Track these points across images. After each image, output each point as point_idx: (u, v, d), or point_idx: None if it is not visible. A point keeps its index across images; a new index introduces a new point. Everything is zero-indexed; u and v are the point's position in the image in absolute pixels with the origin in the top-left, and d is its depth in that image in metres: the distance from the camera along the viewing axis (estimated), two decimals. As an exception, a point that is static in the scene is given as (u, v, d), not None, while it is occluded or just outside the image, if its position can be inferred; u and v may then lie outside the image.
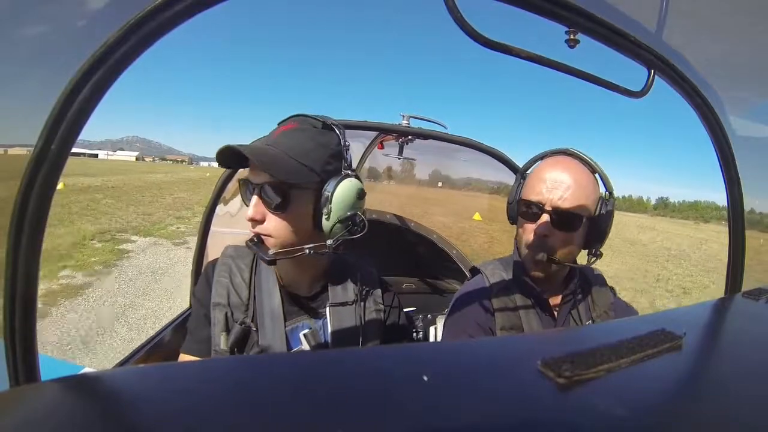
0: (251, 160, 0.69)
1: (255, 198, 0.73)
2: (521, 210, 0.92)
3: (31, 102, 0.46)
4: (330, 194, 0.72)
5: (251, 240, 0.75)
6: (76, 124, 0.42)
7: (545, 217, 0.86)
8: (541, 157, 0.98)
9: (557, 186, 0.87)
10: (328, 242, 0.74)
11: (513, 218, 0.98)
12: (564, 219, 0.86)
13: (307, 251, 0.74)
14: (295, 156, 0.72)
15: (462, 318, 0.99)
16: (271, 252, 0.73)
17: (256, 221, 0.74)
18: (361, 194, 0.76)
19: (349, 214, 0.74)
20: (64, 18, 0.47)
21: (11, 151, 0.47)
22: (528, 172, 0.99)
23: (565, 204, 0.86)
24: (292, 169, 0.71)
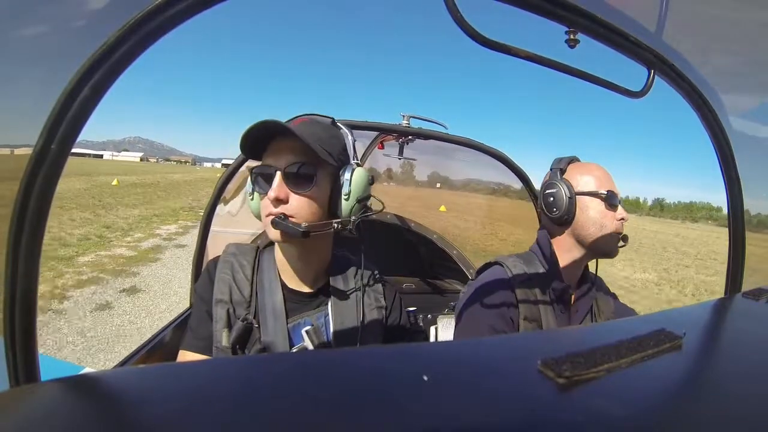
0: (296, 133, 0.72)
1: (278, 179, 0.75)
2: (610, 200, 0.98)
3: (31, 102, 0.46)
4: (349, 178, 0.79)
5: (278, 217, 0.76)
6: (76, 124, 0.42)
7: (621, 206, 1.00)
8: (570, 160, 1.07)
9: (614, 183, 1.02)
10: (353, 218, 0.79)
11: (572, 213, 0.99)
12: None
13: (335, 225, 0.78)
14: (316, 141, 0.76)
15: (483, 309, 1.00)
16: (303, 225, 0.74)
17: (279, 200, 0.76)
18: (372, 180, 0.83)
19: (366, 195, 0.81)
20: (64, 18, 0.47)
21: (6, 151, 0.47)
22: (565, 168, 1.05)
23: None
24: (319, 148, 0.75)
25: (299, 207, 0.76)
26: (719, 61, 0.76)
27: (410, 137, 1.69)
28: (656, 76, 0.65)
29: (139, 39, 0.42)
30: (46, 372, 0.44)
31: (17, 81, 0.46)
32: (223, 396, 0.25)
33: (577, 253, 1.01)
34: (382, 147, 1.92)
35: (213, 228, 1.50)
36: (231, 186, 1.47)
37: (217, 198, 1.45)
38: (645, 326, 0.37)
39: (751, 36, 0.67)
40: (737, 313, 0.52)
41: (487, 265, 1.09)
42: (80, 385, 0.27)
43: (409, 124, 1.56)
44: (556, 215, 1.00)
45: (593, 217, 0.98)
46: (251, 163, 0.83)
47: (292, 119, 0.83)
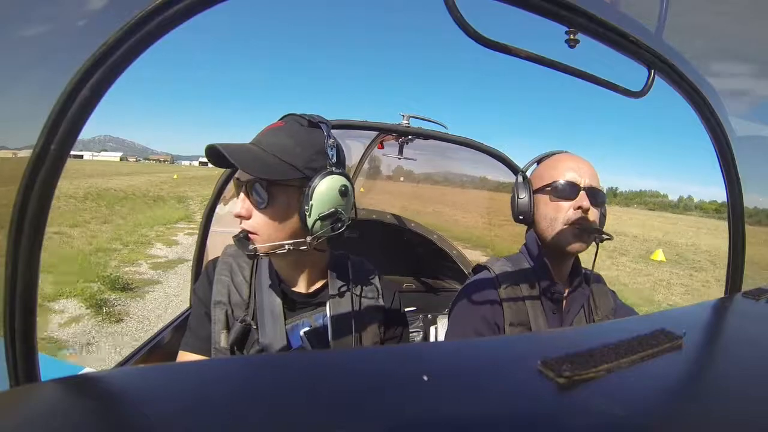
0: (231, 160, 0.69)
1: (242, 195, 0.76)
2: (556, 190, 0.95)
3: (31, 102, 0.46)
4: (311, 191, 0.73)
5: (237, 235, 0.76)
6: (76, 124, 0.42)
7: (583, 194, 0.93)
8: (540, 159, 1.04)
9: (584, 171, 0.95)
10: (308, 239, 0.75)
11: (529, 213, 0.97)
12: (596, 197, 0.95)
13: (286, 247, 0.75)
14: (275, 153, 0.74)
15: (467, 313, 0.99)
16: (251, 246, 0.75)
17: (242, 217, 0.76)
18: (343, 191, 0.75)
19: (330, 210, 0.74)
20: (64, 18, 0.47)
21: (2, 153, 0.47)
22: (527, 169, 1.03)
23: (595, 184, 0.95)
24: (271, 166, 0.72)
25: (261, 225, 0.75)
26: (719, 60, 0.76)
27: (410, 137, 1.69)
28: (656, 76, 0.65)
29: (139, 39, 0.42)
30: (46, 372, 0.44)
31: (17, 81, 0.47)
32: (222, 396, 0.25)
33: (548, 250, 1.00)
34: (382, 147, 1.93)
35: (213, 228, 1.50)
36: (231, 185, 1.47)
37: (217, 198, 1.45)
38: (645, 326, 0.37)
39: (751, 36, 0.67)
40: (737, 313, 0.52)
41: (478, 268, 1.09)
42: (80, 385, 0.27)
43: (408, 123, 1.56)
44: (519, 219, 1.00)
45: (543, 213, 0.96)
46: None
47: (281, 117, 0.82)
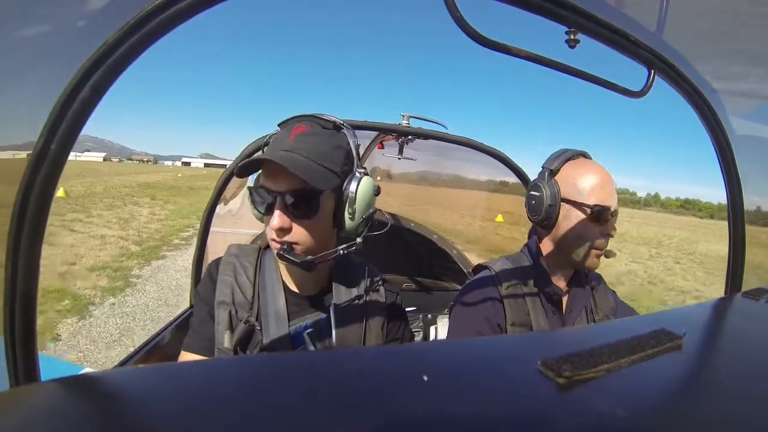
0: (289, 170, 0.67)
1: (279, 208, 0.72)
2: (593, 214, 0.90)
3: (31, 102, 0.47)
4: (354, 194, 0.74)
5: (282, 250, 0.74)
6: (76, 124, 0.42)
7: (612, 221, 0.92)
8: (569, 157, 0.97)
9: (614, 193, 0.92)
10: (358, 240, 0.77)
11: (554, 219, 0.93)
12: (615, 219, 0.93)
13: (341, 252, 0.76)
14: (318, 160, 0.72)
15: (469, 313, 0.99)
16: (308, 257, 0.73)
17: (284, 230, 0.73)
18: (377, 191, 0.78)
19: (370, 211, 0.77)
20: (64, 18, 0.47)
21: (3, 155, 0.47)
22: (557, 169, 0.96)
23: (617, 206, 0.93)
24: (321, 174, 0.71)
25: (303, 235, 0.74)
26: (719, 61, 0.76)
27: (410, 137, 1.69)
28: (656, 76, 0.65)
29: (139, 39, 0.42)
30: (46, 372, 0.44)
31: (17, 81, 0.47)
32: (223, 396, 0.25)
33: (559, 258, 0.98)
34: (382, 147, 1.93)
35: (213, 228, 1.50)
36: (231, 185, 1.47)
37: (217, 198, 1.45)
38: (645, 326, 0.37)
39: (751, 36, 0.67)
40: (737, 313, 0.52)
41: (478, 269, 1.08)
42: (80, 385, 0.27)
43: (408, 123, 1.56)
44: (535, 219, 0.96)
45: (574, 228, 0.92)
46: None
47: (291, 119, 0.79)
